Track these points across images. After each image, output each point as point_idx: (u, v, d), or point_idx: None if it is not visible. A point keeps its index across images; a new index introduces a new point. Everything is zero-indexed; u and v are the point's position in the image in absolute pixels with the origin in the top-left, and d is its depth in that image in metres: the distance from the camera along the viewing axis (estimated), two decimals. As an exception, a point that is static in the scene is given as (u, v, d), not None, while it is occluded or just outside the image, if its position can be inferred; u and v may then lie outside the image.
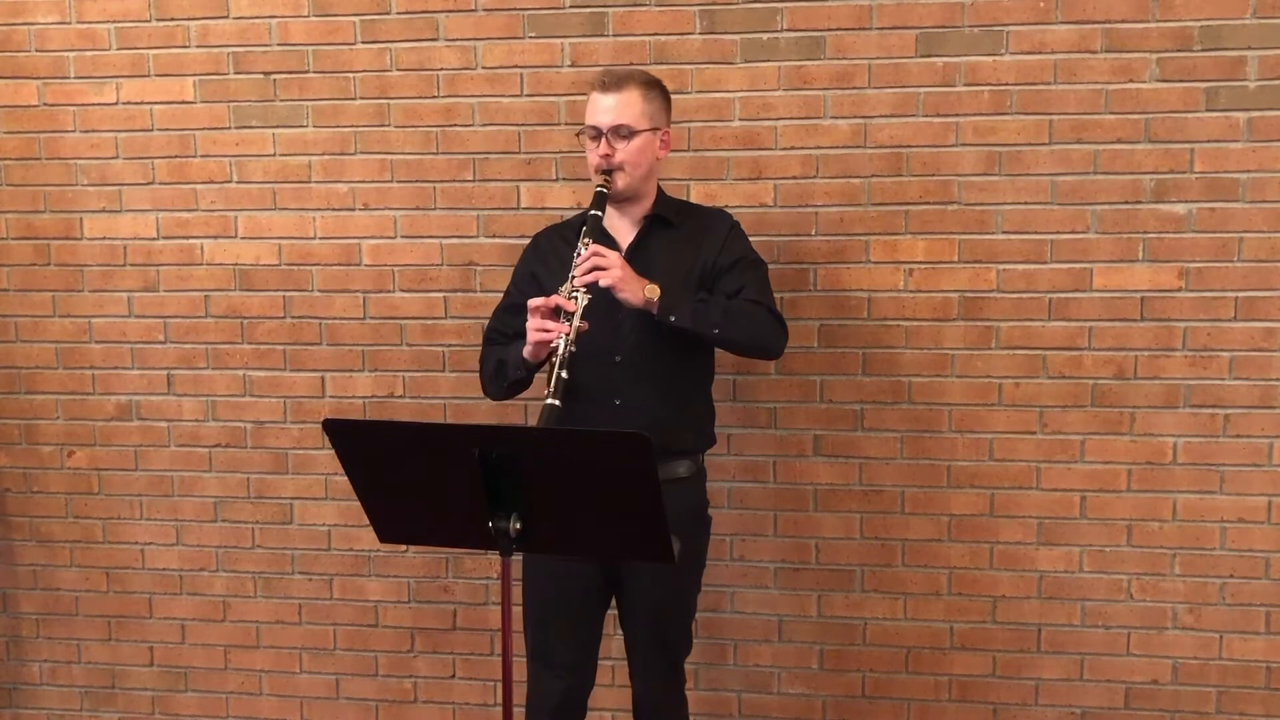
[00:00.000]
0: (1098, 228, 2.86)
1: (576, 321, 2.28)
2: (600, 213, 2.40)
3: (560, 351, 2.26)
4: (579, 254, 2.35)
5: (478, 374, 2.64)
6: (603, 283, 2.31)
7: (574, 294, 2.31)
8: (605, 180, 2.42)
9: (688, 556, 2.54)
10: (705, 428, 2.61)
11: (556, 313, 2.31)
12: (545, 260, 2.57)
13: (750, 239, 2.92)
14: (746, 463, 3.04)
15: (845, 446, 3.00)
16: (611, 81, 2.43)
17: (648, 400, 2.44)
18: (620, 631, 2.65)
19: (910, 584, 3.04)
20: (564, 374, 2.24)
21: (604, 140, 2.42)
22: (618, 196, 2.46)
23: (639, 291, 2.34)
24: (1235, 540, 2.92)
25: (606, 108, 2.42)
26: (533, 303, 2.35)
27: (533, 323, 2.33)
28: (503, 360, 2.50)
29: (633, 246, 2.50)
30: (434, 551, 3.18)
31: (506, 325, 2.58)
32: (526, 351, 2.37)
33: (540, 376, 2.43)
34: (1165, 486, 2.92)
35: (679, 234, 2.53)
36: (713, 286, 2.51)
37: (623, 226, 2.52)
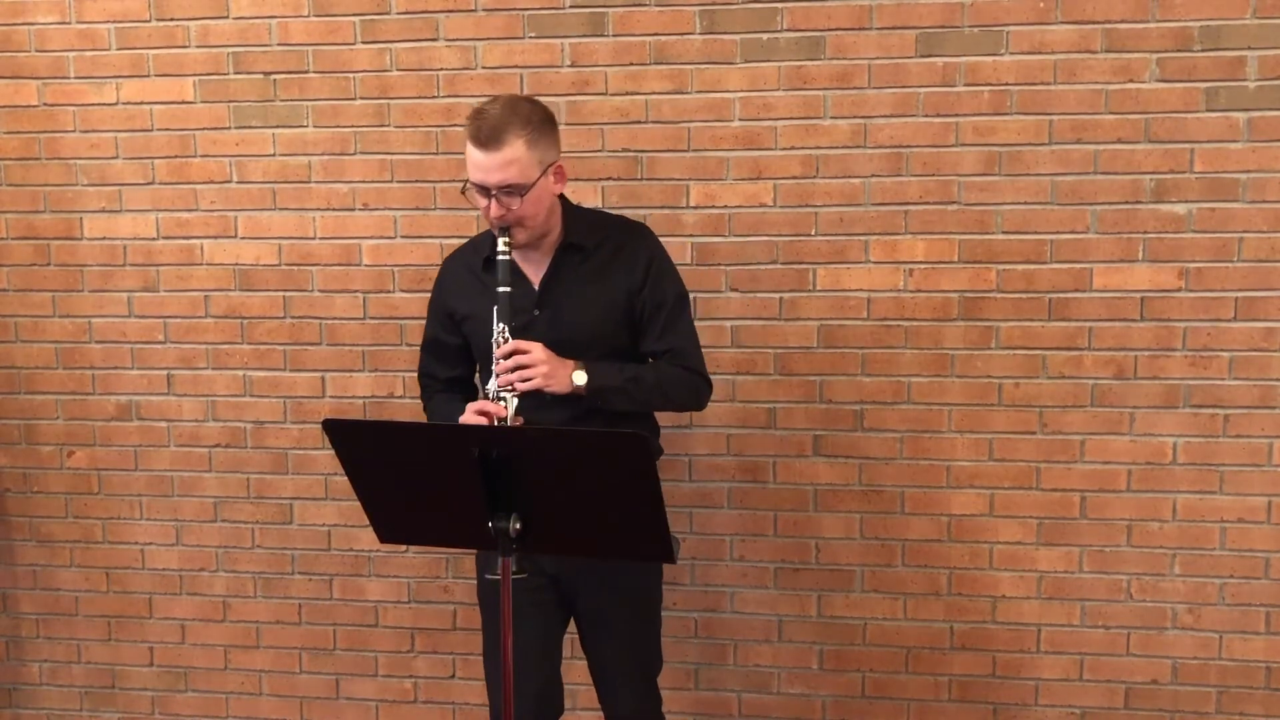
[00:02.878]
0: (1098, 228, 2.86)
1: (510, 424, 2.22)
2: (509, 288, 2.25)
3: None
4: (497, 343, 2.25)
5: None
6: (524, 386, 2.22)
7: (500, 396, 2.23)
8: (506, 243, 2.24)
9: (645, 566, 2.49)
10: (650, 442, 2.54)
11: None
12: (457, 296, 2.47)
13: (750, 239, 2.94)
14: (746, 463, 3.04)
15: (845, 446, 3.00)
16: (488, 135, 2.19)
17: (588, 426, 2.33)
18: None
19: (910, 584, 3.04)
20: None
21: (494, 201, 2.23)
22: (521, 248, 2.32)
23: (566, 381, 2.25)
24: (1235, 540, 2.92)
25: (490, 167, 2.20)
26: (466, 415, 2.27)
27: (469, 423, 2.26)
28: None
29: (545, 280, 2.39)
30: (434, 551, 3.18)
31: (436, 368, 2.55)
32: None
33: None
34: (1165, 486, 2.92)
35: (594, 261, 2.39)
36: (638, 324, 2.41)
37: (532, 258, 2.39)
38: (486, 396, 2.29)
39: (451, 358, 2.52)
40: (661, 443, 2.62)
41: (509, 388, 2.23)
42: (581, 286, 2.38)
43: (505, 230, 2.25)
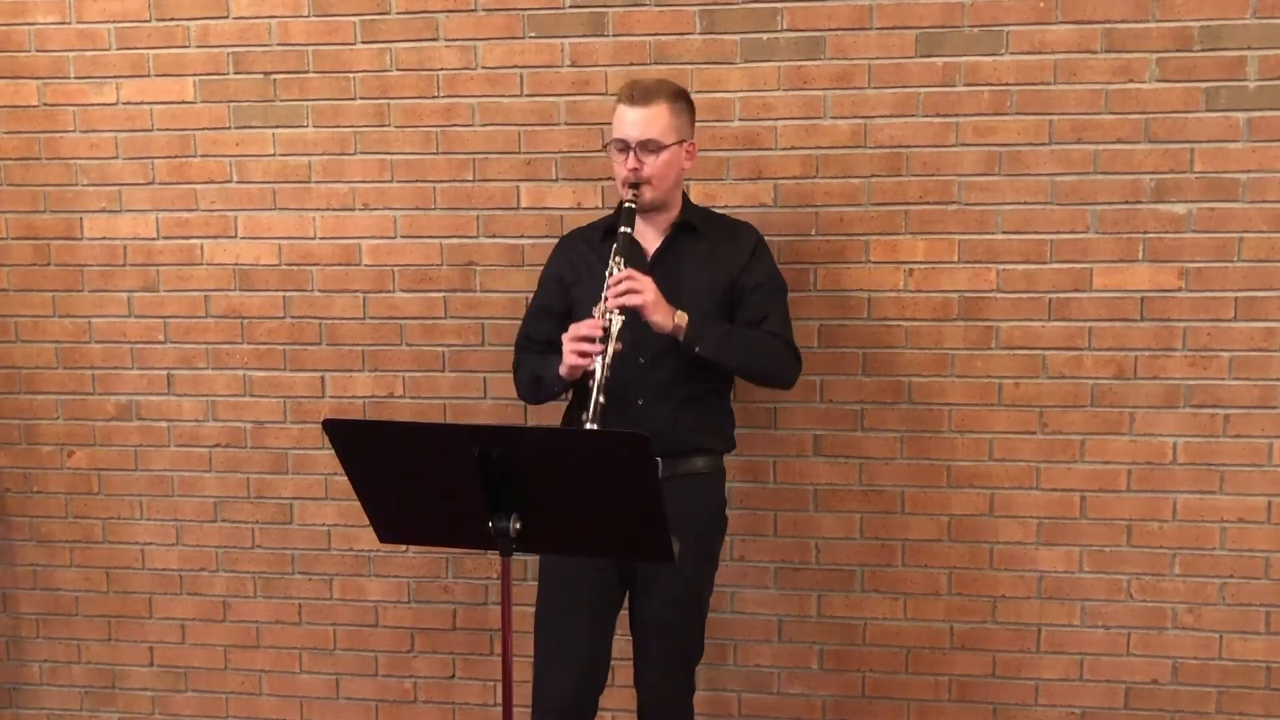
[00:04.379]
0: (1098, 228, 2.86)
1: (611, 345, 2.31)
2: (630, 229, 2.42)
3: (597, 376, 2.29)
4: (611, 273, 2.37)
5: (511, 377, 2.68)
6: (632, 302, 2.34)
7: (608, 315, 2.33)
8: (634, 194, 2.44)
9: (703, 555, 2.58)
10: (726, 431, 2.65)
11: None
12: (572, 264, 2.60)
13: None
14: (746, 463, 3.04)
15: (845, 446, 3.00)
16: (640, 95, 2.44)
17: (670, 402, 2.48)
18: (628, 634, 2.65)
19: (910, 584, 3.04)
20: (603, 399, 2.26)
21: (632, 154, 2.43)
22: (644, 208, 2.48)
23: (669, 316, 2.38)
24: (1235, 540, 2.92)
25: (634, 121, 2.43)
26: (570, 331, 2.38)
27: (569, 346, 2.36)
28: (539, 376, 2.53)
29: (659, 253, 2.53)
30: (434, 551, 3.18)
31: (536, 331, 2.62)
32: (563, 370, 2.40)
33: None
34: (1165, 486, 2.92)
35: (705, 244, 2.56)
36: (736, 303, 2.54)
37: (649, 233, 2.54)
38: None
39: (553, 324, 2.60)
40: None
41: (616, 310, 2.34)
42: (691, 263, 2.54)
43: (635, 186, 2.45)
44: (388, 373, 3.14)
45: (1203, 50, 2.77)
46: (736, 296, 2.55)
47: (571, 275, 2.59)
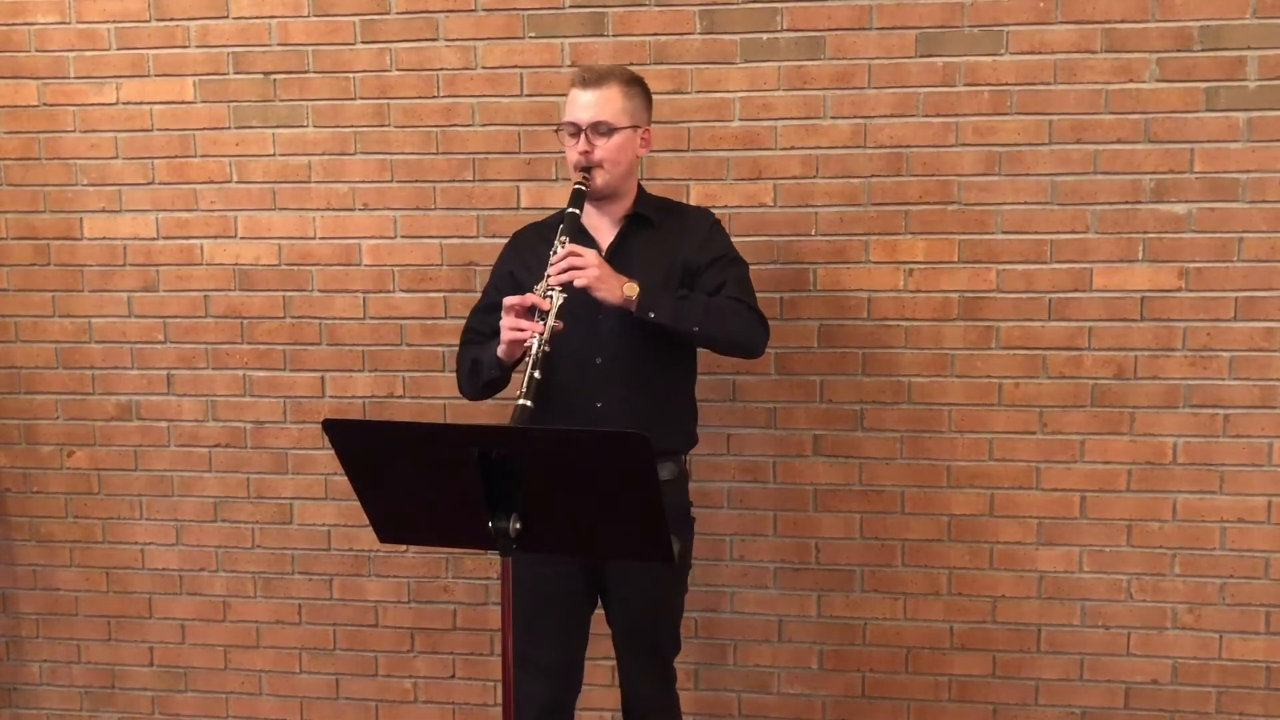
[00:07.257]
0: (1098, 228, 2.86)
1: (551, 321, 2.24)
2: (578, 210, 2.36)
3: (534, 351, 2.22)
4: (555, 251, 2.31)
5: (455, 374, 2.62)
6: (578, 282, 2.27)
7: (549, 293, 2.27)
8: (584, 177, 2.38)
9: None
10: (688, 427, 2.58)
11: (531, 312, 2.28)
12: (524, 259, 2.52)
13: (750, 239, 2.93)
14: (746, 463, 3.04)
15: (845, 446, 3.00)
16: (591, 78, 2.39)
17: (629, 402, 2.41)
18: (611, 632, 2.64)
19: (910, 584, 3.04)
20: (537, 374, 2.20)
21: (583, 137, 2.38)
22: (596, 194, 2.42)
23: (617, 289, 2.30)
24: (1235, 540, 2.92)
25: (586, 104, 2.38)
26: (507, 301, 2.31)
27: (506, 321, 2.29)
28: (477, 359, 2.46)
29: (613, 246, 2.47)
30: (434, 551, 3.18)
31: (484, 324, 2.52)
32: (500, 350, 2.34)
33: (517, 375, 2.39)
34: (1165, 486, 2.92)
35: (660, 233, 2.49)
36: (693, 284, 2.47)
37: (603, 225, 2.49)
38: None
39: (500, 316, 2.51)
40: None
41: (557, 286, 2.27)
42: (647, 255, 2.46)
43: (586, 170, 2.39)
44: (388, 373, 3.14)
45: (1203, 50, 2.77)
46: (692, 275, 2.46)
47: (524, 270, 2.48)
